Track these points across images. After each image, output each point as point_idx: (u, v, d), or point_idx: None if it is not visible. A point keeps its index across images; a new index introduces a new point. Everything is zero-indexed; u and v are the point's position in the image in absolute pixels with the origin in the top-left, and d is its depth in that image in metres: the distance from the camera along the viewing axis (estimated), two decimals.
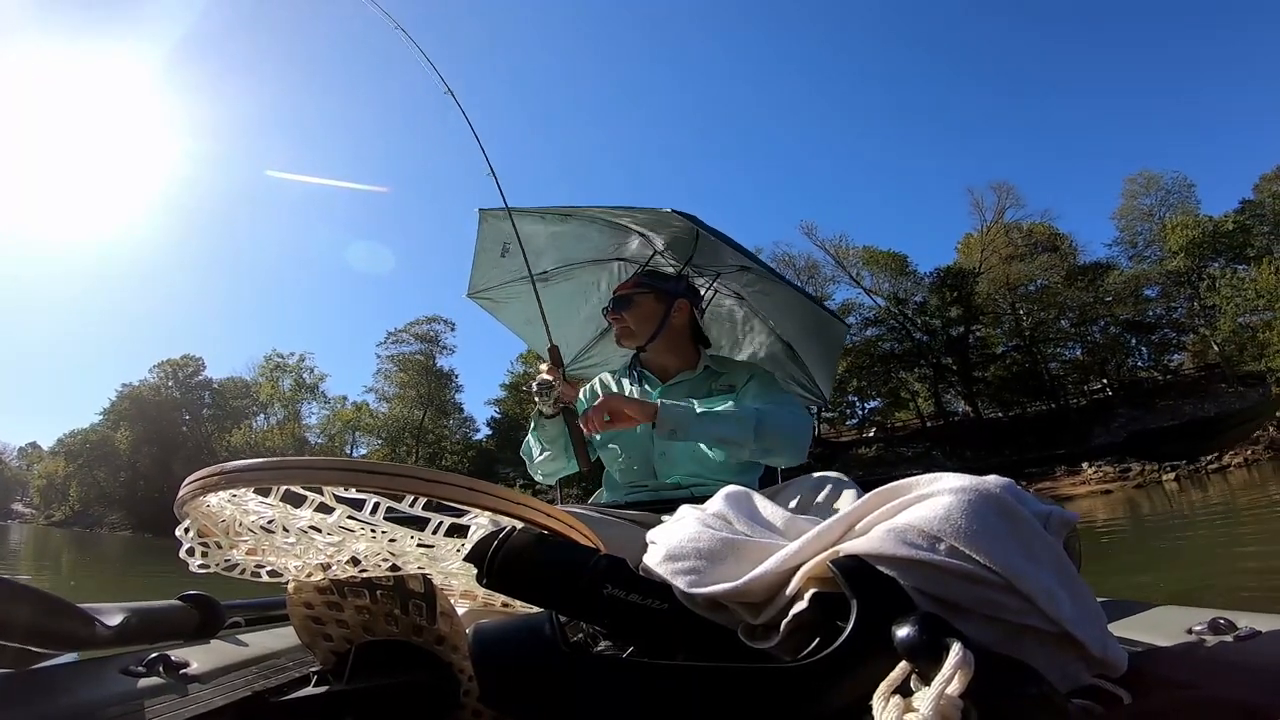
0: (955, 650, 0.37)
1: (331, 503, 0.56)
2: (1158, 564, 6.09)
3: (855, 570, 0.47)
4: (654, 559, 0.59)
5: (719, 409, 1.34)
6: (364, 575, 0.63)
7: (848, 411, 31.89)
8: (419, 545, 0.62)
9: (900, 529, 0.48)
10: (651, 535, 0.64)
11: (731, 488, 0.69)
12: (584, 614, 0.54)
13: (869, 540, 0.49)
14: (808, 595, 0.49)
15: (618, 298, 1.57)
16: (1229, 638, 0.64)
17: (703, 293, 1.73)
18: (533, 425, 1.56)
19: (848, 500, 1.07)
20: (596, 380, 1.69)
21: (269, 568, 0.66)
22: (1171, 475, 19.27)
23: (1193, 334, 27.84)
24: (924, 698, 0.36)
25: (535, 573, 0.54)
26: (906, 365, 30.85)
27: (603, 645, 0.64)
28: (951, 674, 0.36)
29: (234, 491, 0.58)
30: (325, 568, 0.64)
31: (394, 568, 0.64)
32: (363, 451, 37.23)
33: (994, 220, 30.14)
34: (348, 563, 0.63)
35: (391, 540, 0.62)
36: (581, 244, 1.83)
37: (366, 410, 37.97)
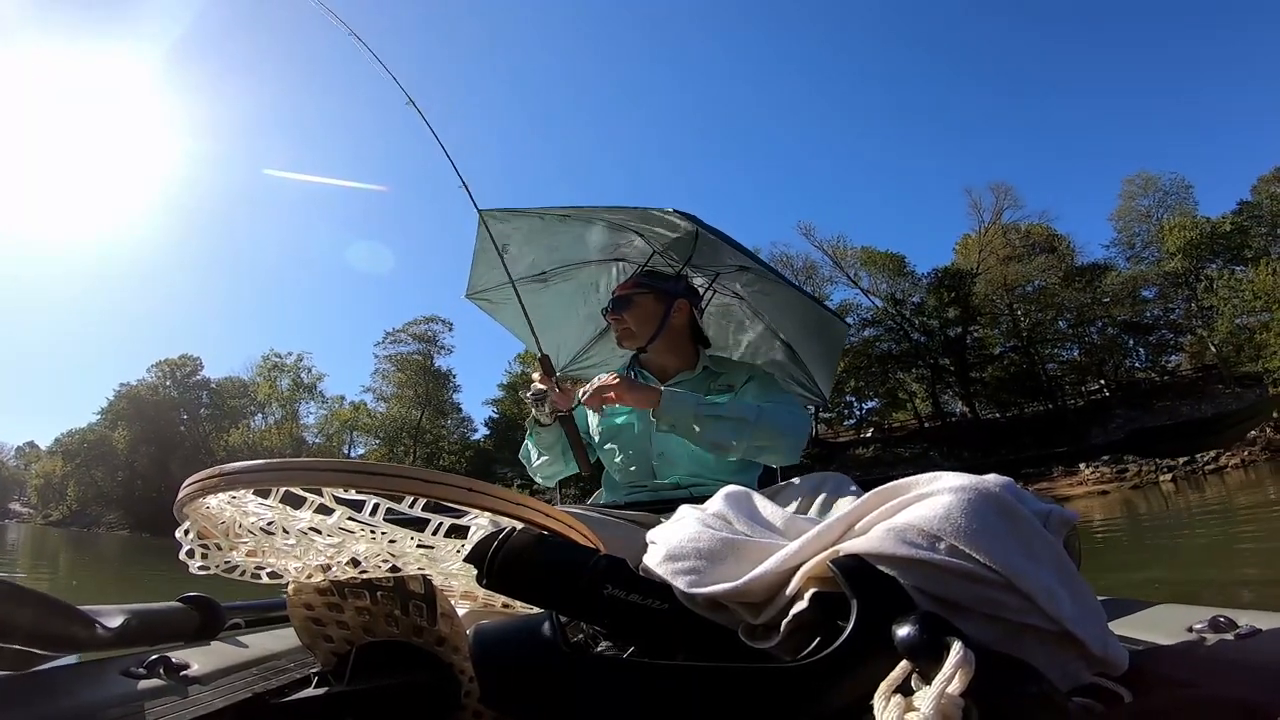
0: (956, 649, 0.37)
1: (331, 504, 0.56)
2: (1156, 563, 6.11)
3: (855, 570, 0.47)
4: (654, 559, 0.59)
5: (720, 402, 1.35)
6: (364, 576, 0.63)
7: (845, 412, 31.87)
8: (419, 546, 0.62)
9: (900, 528, 0.48)
10: (651, 535, 0.64)
11: (731, 488, 0.69)
12: (584, 614, 0.54)
13: (869, 540, 0.49)
14: (808, 595, 0.49)
15: (617, 298, 1.57)
16: (1230, 636, 0.64)
17: (702, 293, 1.73)
18: (530, 432, 1.58)
19: (847, 500, 1.07)
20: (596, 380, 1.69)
21: (269, 569, 0.66)
22: (1168, 476, 19.30)
23: (1190, 335, 27.83)
24: (925, 697, 0.36)
25: (535, 573, 0.54)
26: (904, 366, 30.85)
27: (603, 645, 0.63)
28: (952, 673, 0.36)
29: (233, 493, 0.58)
30: (325, 569, 0.63)
31: (394, 569, 0.64)
32: (360, 451, 37.25)
33: (992, 221, 30.14)
34: (348, 564, 0.63)
35: (391, 541, 0.61)
36: (581, 244, 1.83)
37: (364, 410, 37.93)
